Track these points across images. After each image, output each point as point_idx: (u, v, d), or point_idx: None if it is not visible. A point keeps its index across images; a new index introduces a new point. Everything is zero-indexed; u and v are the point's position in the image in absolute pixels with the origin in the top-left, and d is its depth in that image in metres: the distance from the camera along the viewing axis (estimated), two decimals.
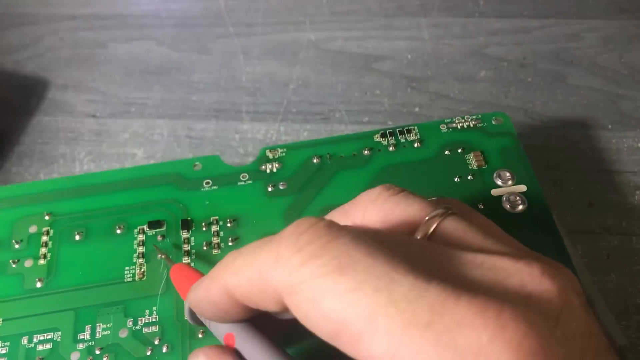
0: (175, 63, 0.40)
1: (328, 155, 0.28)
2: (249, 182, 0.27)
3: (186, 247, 0.25)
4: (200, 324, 0.20)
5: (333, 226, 0.14)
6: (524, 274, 0.14)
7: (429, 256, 0.15)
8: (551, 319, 0.13)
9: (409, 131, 0.29)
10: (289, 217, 0.26)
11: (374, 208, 0.17)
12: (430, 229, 0.16)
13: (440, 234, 0.16)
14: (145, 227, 0.26)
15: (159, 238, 0.25)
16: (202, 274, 0.20)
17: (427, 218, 0.16)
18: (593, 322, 0.14)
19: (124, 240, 0.26)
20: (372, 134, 0.29)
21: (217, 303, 0.17)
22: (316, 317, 0.13)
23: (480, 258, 0.14)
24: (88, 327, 0.23)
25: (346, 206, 0.18)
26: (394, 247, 0.15)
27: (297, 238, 0.14)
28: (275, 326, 0.17)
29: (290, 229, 0.14)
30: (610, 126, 0.35)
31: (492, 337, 0.12)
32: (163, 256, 0.24)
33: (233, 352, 0.17)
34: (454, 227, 0.16)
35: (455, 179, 0.27)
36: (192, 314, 0.19)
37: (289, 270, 0.14)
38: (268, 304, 0.15)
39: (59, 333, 0.23)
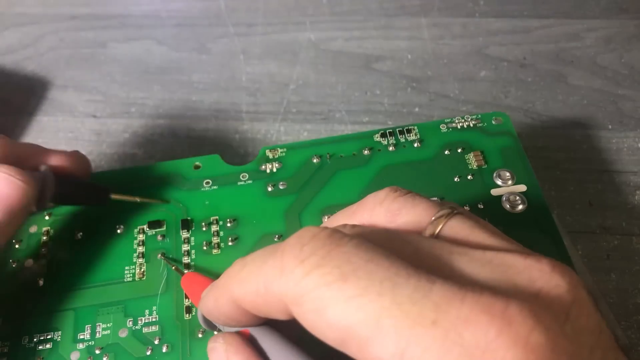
0: (175, 63, 0.40)
1: (328, 155, 0.28)
2: (249, 182, 0.27)
3: (186, 247, 0.25)
4: (215, 328, 0.20)
5: (334, 235, 0.14)
6: (534, 270, 0.14)
7: (438, 253, 0.15)
8: (560, 314, 0.13)
9: (409, 131, 0.29)
10: (289, 217, 0.26)
11: (381, 209, 0.18)
12: (437, 229, 0.16)
13: (447, 234, 0.16)
14: (145, 227, 0.26)
15: (159, 238, 0.25)
16: (212, 280, 0.20)
17: (433, 218, 0.17)
18: (602, 319, 0.14)
19: (124, 240, 0.26)
20: (372, 134, 0.29)
21: (226, 313, 0.17)
22: (323, 326, 0.14)
23: (490, 255, 0.14)
24: (88, 327, 0.23)
25: (353, 207, 0.19)
26: (402, 245, 0.15)
27: (300, 249, 0.14)
28: (290, 324, 0.18)
29: (293, 240, 0.15)
30: (610, 126, 0.35)
31: (499, 333, 0.12)
32: (173, 267, 0.24)
33: (249, 337, 0.18)
34: (460, 226, 0.16)
35: (455, 179, 0.27)
36: (206, 319, 0.20)
37: (293, 282, 0.14)
38: (275, 314, 0.15)
39: (59, 333, 0.23)
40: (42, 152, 0.24)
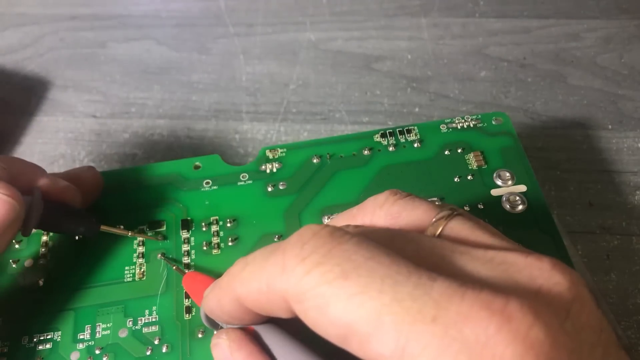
0: (175, 63, 0.40)
1: (328, 155, 0.28)
2: (249, 182, 0.27)
3: (186, 247, 0.25)
4: (218, 326, 0.20)
5: (335, 233, 0.15)
6: (534, 268, 0.14)
7: (440, 252, 0.15)
8: (561, 311, 0.13)
9: (409, 131, 0.29)
10: (288, 217, 0.26)
11: (381, 212, 0.18)
12: (438, 230, 0.16)
13: (447, 234, 0.16)
14: (145, 227, 0.26)
15: (159, 238, 0.25)
16: (214, 279, 0.20)
17: (434, 219, 0.17)
18: (603, 316, 0.14)
19: (124, 240, 0.25)
20: (372, 134, 0.29)
21: (230, 312, 0.17)
22: (324, 323, 0.14)
23: (491, 253, 0.15)
24: (88, 327, 0.23)
25: (354, 210, 0.19)
26: (404, 243, 0.15)
27: (301, 247, 0.14)
28: (293, 322, 0.18)
29: (295, 239, 0.15)
30: (610, 126, 0.35)
31: (499, 329, 0.12)
32: (174, 267, 0.24)
33: (252, 333, 0.18)
34: (460, 226, 0.16)
35: (455, 179, 0.27)
36: (209, 318, 0.20)
37: (295, 280, 0.14)
38: (278, 312, 0.15)
39: (59, 333, 0.23)
40: (38, 174, 0.23)
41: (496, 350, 0.12)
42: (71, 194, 0.24)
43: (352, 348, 0.13)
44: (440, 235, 0.16)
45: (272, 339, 0.17)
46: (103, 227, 0.25)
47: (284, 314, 0.15)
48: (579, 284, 0.14)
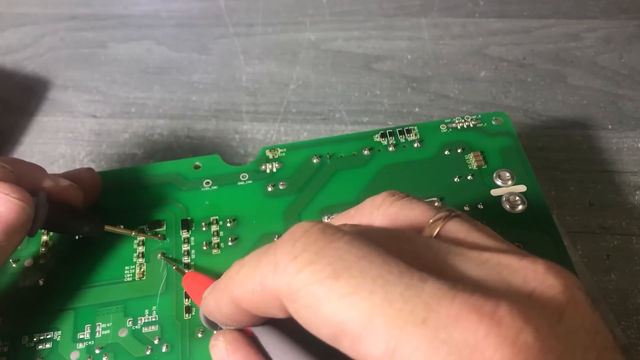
0: (175, 63, 0.40)
1: (328, 155, 0.28)
2: (249, 182, 0.27)
3: (186, 247, 0.25)
4: (217, 327, 0.20)
5: (327, 230, 0.14)
6: (528, 271, 0.14)
7: (435, 252, 0.15)
8: (553, 314, 0.13)
9: (409, 131, 0.29)
10: (288, 217, 0.26)
11: (379, 213, 0.18)
12: (435, 231, 0.16)
13: (444, 236, 0.16)
14: (145, 227, 0.26)
15: (159, 237, 0.25)
16: (213, 279, 0.20)
17: (431, 221, 0.17)
18: (599, 319, 0.14)
19: (124, 240, 0.25)
20: (372, 134, 0.29)
21: (227, 314, 0.17)
22: (316, 322, 0.14)
23: (486, 255, 0.14)
24: (88, 327, 0.23)
25: (352, 211, 0.19)
26: (400, 243, 0.15)
27: (292, 245, 0.14)
28: (292, 323, 0.18)
29: (286, 237, 0.15)
30: (610, 126, 0.35)
31: (487, 333, 0.12)
32: (174, 267, 0.24)
33: (250, 335, 0.18)
34: (457, 228, 0.16)
35: (455, 179, 0.27)
36: (208, 319, 0.20)
37: (287, 279, 0.14)
38: (273, 312, 0.15)
39: (59, 332, 0.23)
40: (42, 176, 0.24)
41: (485, 355, 0.12)
42: (74, 194, 0.24)
43: (344, 347, 0.13)
44: (437, 237, 0.16)
45: (270, 340, 0.17)
46: (107, 227, 0.25)
47: (279, 314, 0.15)
48: (574, 286, 0.14)
